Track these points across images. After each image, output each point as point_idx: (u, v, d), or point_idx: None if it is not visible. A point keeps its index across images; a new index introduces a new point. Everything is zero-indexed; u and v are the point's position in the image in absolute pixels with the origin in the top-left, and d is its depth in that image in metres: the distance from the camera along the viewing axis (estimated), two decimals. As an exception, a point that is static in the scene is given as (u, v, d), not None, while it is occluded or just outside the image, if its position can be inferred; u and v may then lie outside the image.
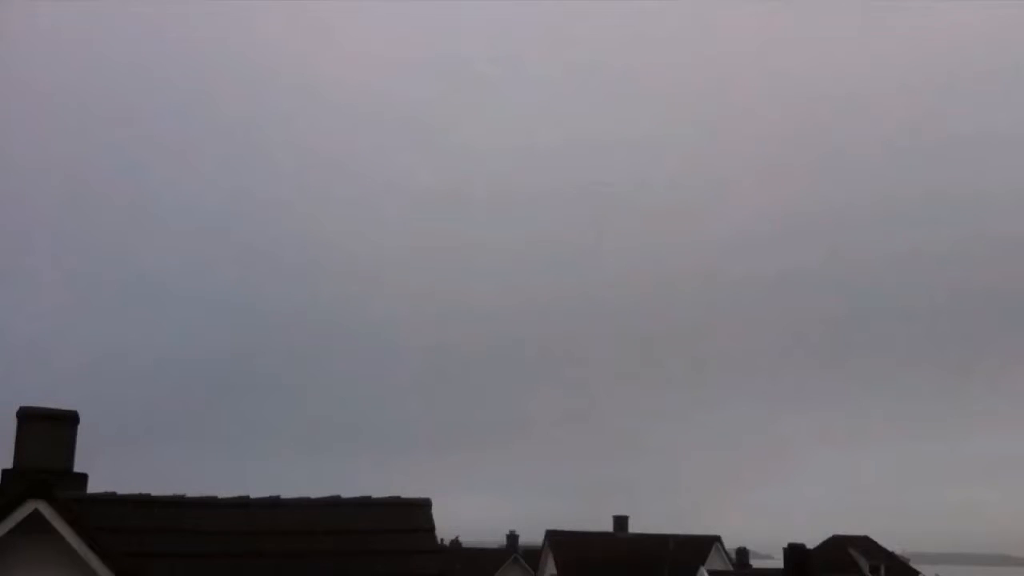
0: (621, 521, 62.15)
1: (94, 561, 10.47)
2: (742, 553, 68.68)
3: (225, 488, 13.84)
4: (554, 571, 58.48)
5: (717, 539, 60.09)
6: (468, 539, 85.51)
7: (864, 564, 61.16)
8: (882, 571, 57.14)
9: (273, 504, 13.79)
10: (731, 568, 57.43)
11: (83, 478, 13.30)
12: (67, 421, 12.56)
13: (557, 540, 59.53)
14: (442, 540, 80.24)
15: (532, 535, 68.78)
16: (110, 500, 13.11)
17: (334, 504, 13.95)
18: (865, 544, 70.33)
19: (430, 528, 13.67)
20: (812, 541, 60.61)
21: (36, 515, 10.67)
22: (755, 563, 70.82)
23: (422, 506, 14.04)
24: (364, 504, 14.03)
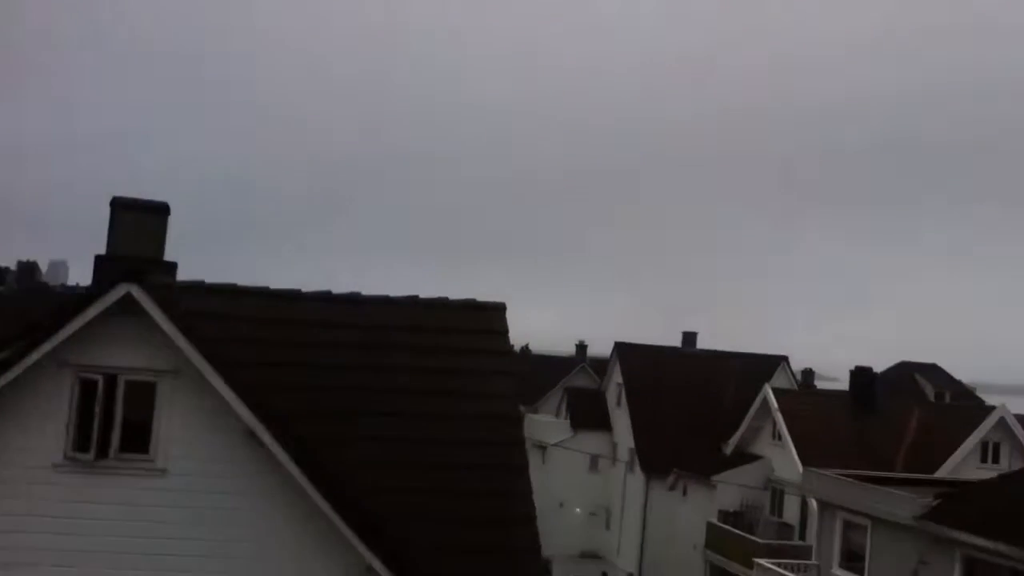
0: (690, 337, 62.96)
1: (182, 342, 10.99)
2: (808, 374, 69.36)
3: (310, 287, 14.33)
4: (620, 381, 59.81)
5: (784, 359, 60.64)
6: (539, 348, 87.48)
7: (930, 391, 61.51)
8: (947, 398, 57.43)
9: (354, 300, 14.24)
10: (796, 388, 58.16)
11: (173, 267, 13.79)
12: (159, 212, 12.91)
13: (625, 351, 60.60)
14: (513, 346, 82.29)
15: (602, 347, 70.10)
16: (198, 288, 13.64)
17: (412, 303, 14.37)
18: (932, 372, 70.57)
19: (504, 331, 14.04)
20: (880, 367, 60.97)
21: (128, 298, 11.17)
22: (820, 384, 71.56)
23: (497, 309, 14.39)
24: (441, 305, 14.43)
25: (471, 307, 14.25)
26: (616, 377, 61.04)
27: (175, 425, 11.19)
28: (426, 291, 14.69)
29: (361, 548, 11.09)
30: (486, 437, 12.76)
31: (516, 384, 13.92)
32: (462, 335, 13.79)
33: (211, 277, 14.15)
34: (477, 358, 13.54)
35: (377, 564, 11.06)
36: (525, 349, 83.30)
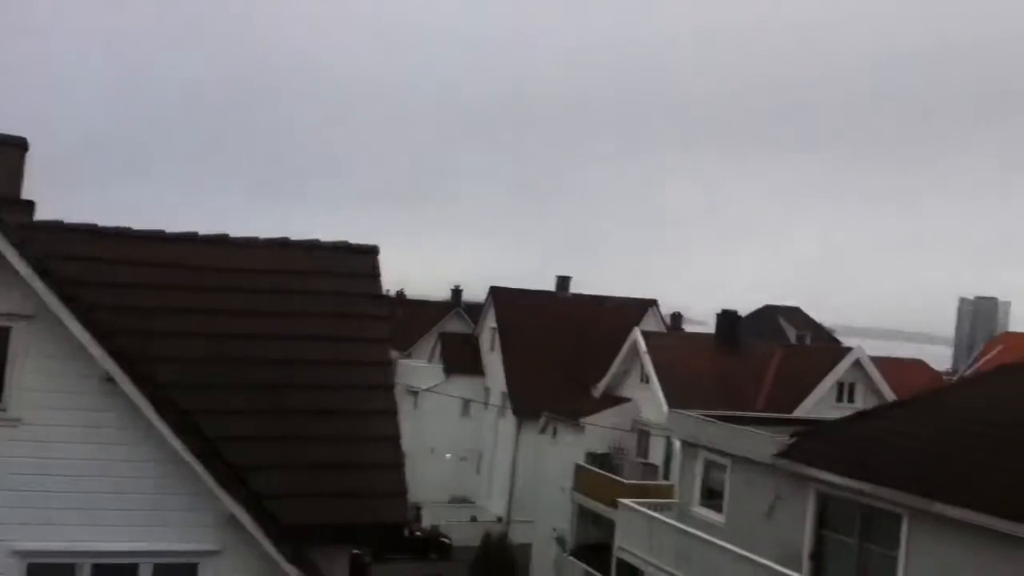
0: (563, 281, 63.71)
1: (38, 284, 10.60)
2: (677, 317, 71.04)
3: (175, 227, 13.92)
4: (493, 325, 60.24)
5: (653, 303, 61.95)
6: (413, 293, 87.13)
7: (791, 333, 63.79)
8: (808, 340, 59.66)
9: (220, 241, 13.93)
10: (665, 331, 59.55)
11: (30, 205, 13.25)
12: (15, 148, 12.37)
13: (499, 296, 61.01)
14: (387, 290, 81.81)
15: (476, 292, 70.42)
16: (57, 228, 13.14)
17: (281, 245, 14.14)
18: (794, 315, 73.15)
19: (376, 274, 13.95)
20: (746, 310, 62.81)
21: (-20, 238, 10.68)
22: (689, 327, 73.32)
23: (369, 252, 14.27)
24: (311, 247, 14.23)
25: (342, 249, 14.10)
26: (490, 321, 61.45)
27: (30, 372, 10.80)
28: (296, 234, 14.49)
29: (224, 497, 10.95)
30: (355, 382, 12.71)
31: (388, 328, 13.87)
32: (333, 278, 13.65)
33: (73, 218, 13.63)
34: (348, 302, 13.43)
35: (240, 513, 10.95)
36: (399, 294, 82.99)
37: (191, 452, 10.85)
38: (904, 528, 19.79)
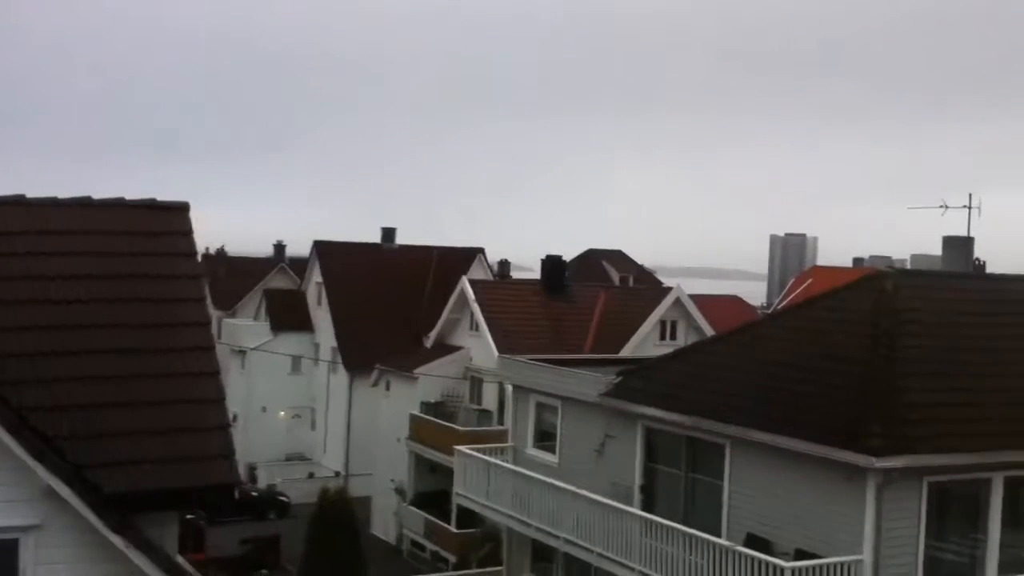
0: (389, 233, 63.19)
1: None
2: (504, 265, 71.62)
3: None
4: (319, 280, 59.35)
5: (480, 251, 62.25)
6: (236, 249, 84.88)
7: (615, 275, 65.29)
8: (631, 281, 61.22)
9: (17, 202, 13.09)
10: (492, 279, 59.97)
11: None
12: None
13: (324, 250, 60.08)
14: (207, 248, 79.21)
15: (300, 247, 69.11)
16: None
17: (83, 205, 13.39)
18: (617, 258, 74.87)
19: (187, 231, 13.40)
20: (570, 255, 63.86)
21: None
22: (515, 274, 74.06)
23: (179, 209, 13.68)
24: (116, 206, 13.54)
25: (150, 207, 13.46)
26: (316, 276, 60.53)
27: None
28: (102, 194, 13.74)
29: (40, 470, 10.44)
30: (172, 344, 12.22)
31: (203, 288, 13.39)
32: (141, 238, 13.03)
33: None
34: (158, 261, 12.86)
35: (58, 485, 10.45)
36: (220, 251, 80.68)
37: (1, 425, 10.26)
38: (727, 456, 20.60)
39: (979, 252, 34.33)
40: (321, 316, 59.06)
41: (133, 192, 13.95)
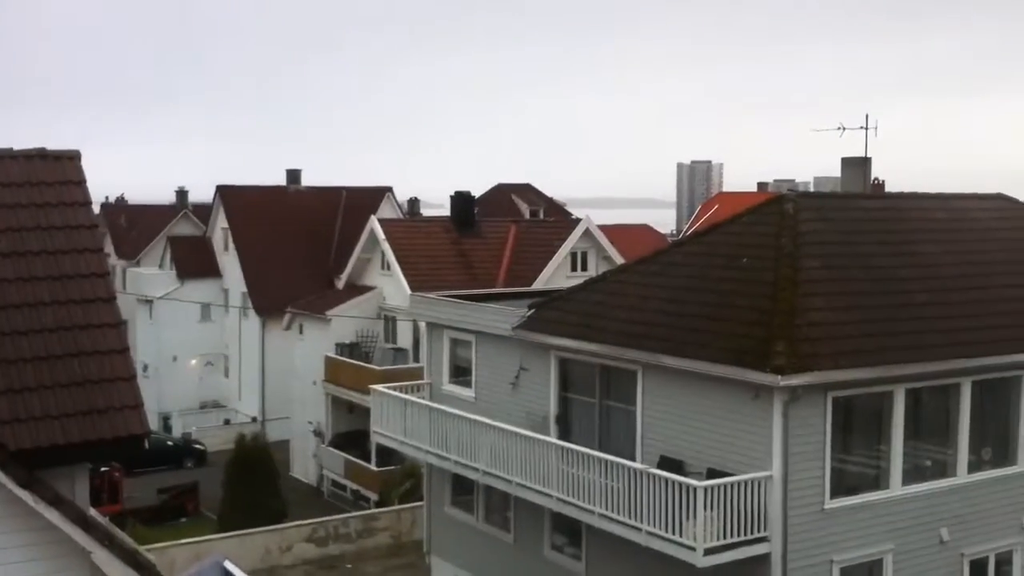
0: (294, 174, 62.26)
1: None
2: (413, 203, 71.24)
3: None
4: (225, 225, 58.35)
5: (389, 190, 61.78)
6: (136, 197, 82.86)
7: (525, 209, 65.39)
8: (541, 214, 61.40)
9: None
10: (402, 217, 59.64)
11: None
12: None
13: (228, 194, 59.01)
14: (106, 198, 77.09)
15: (203, 192, 67.76)
16: None
17: (-31, 157, 12.87)
18: (526, 191, 74.96)
19: (80, 181, 13.00)
20: (480, 190, 63.73)
21: None
22: (426, 212, 73.76)
23: (70, 158, 13.26)
24: (5, 157, 13.06)
25: (39, 157, 13.01)
26: (221, 222, 59.53)
27: None
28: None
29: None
30: (71, 296, 11.91)
31: (99, 238, 13.04)
32: (31, 188, 12.60)
33: None
34: (51, 213, 12.48)
35: (-41, 445, 10.19)
36: (120, 200, 78.73)
37: None
38: (639, 382, 20.95)
39: (877, 171, 35.13)
40: (228, 262, 58.19)
41: (21, 143, 13.49)
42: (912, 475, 19.78)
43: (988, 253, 23.28)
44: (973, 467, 20.51)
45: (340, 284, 47.63)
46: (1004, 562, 21.05)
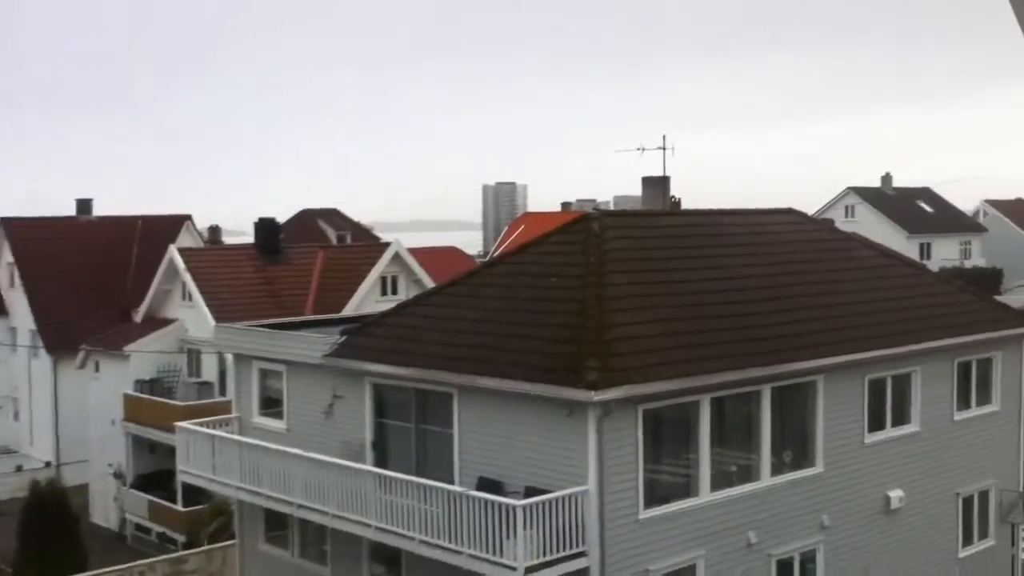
0: (84, 204, 59.31)
1: None
2: (215, 230, 69.20)
3: None
4: (10, 260, 55.04)
5: (188, 218, 59.75)
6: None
7: (332, 234, 64.61)
8: (348, 239, 60.77)
9: None
10: (203, 245, 57.78)
11: None
12: None
13: (12, 227, 55.64)
14: None
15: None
16: None
17: None
18: (333, 216, 74.13)
19: None
20: (284, 216, 62.56)
21: None
22: (229, 240, 71.74)
23: None
24: None
25: None
26: (6, 256, 56.12)
27: None
28: None
29: None
30: None
31: None
32: None
33: None
34: None
35: None
36: None
37: None
38: (455, 405, 20.87)
39: (675, 190, 36.39)
40: (15, 298, 54.88)
41: None
42: (720, 481, 20.43)
43: (783, 264, 24.47)
44: (775, 470, 21.40)
45: (138, 318, 45.67)
46: (808, 560, 22.04)
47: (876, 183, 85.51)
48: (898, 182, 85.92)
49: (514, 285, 22.35)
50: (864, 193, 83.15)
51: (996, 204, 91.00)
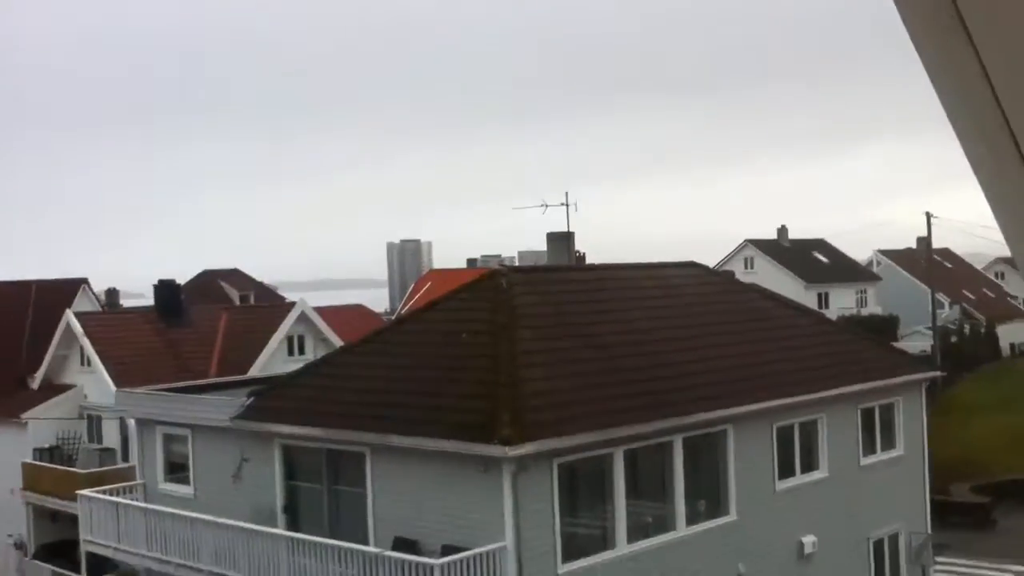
0: (-24, 269, 57.56)
1: None
2: (112, 294, 67.64)
3: None
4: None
5: (84, 281, 58.30)
6: None
7: (235, 294, 63.68)
8: (252, 299, 59.96)
9: None
10: (101, 309, 56.39)
11: None
12: None
13: (-100, 294, 53.64)
14: None
15: None
16: None
17: None
18: (235, 276, 73.09)
19: None
20: (184, 277, 61.49)
21: None
22: (127, 303, 70.20)
23: None
24: None
25: None
26: None
27: None
28: None
29: None
30: None
31: None
32: None
33: None
34: None
35: None
36: None
37: None
38: (368, 464, 20.67)
39: (579, 245, 36.96)
40: (-97, 367, 52.71)
41: None
42: (636, 532, 20.57)
43: (689, 316, 24.96)
44: (690, 520, 21.62)
45: (35, 384, 44.22)
46: (727, 609, 22.18)
47: (773, 235, 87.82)
48: (793, 234, 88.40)
49: (425, 343, 22.34)
50: (762, 245, 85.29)
51: (888, 254, 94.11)
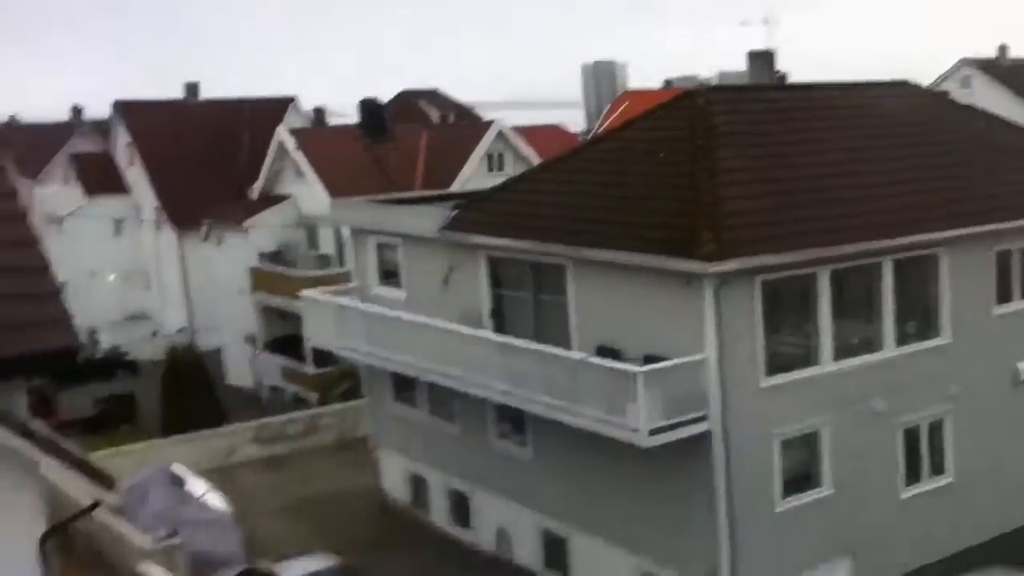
0: (192, 87, 60.64)
1: None
2: (319, 112, 70.07)
3: None
4: (128, 141, 56.86)
5: (293, 99, 60.69)
6: (30, 117, 79.84)
7: (433, 114, 64.90)
8: (450, 119, 61.04)
9: None
10: (309, 126, 58.75)
11: None
12: None
13: (128, 110, 57.33)
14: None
15: (97, 110, 65.57)
16: None
17: None
18: (433, 97, 74.20)
19: None
20: (385, 97, 63.00)
21: None
22: (333, 121, 72.61)
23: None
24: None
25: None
26: (123, 137, 57.98)
27: None
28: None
29: None
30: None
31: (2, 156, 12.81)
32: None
33: None
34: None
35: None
36: (12, 120, 75.92)
37: None
38: (569, 276, 21.43)
39: (781, 65, 35.82)
40: (137, 177, 56.90)
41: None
42: (842, 351, 20.49)
43: (901, 137, 24.07)
44: (900, 341, 21.33)
45: (254, 195, 47.06)
46: (936, 428, 22.07)
47: (992, 55, 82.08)
48: (1015, 53, 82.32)
49: (623, 160, 22.49)
50: (980, 64, 79.98)
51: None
